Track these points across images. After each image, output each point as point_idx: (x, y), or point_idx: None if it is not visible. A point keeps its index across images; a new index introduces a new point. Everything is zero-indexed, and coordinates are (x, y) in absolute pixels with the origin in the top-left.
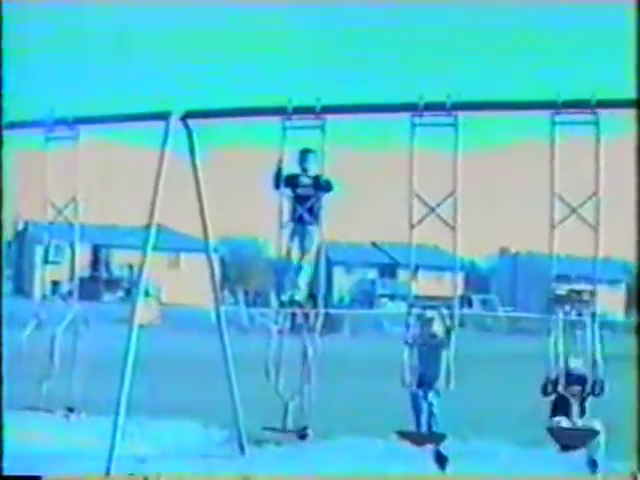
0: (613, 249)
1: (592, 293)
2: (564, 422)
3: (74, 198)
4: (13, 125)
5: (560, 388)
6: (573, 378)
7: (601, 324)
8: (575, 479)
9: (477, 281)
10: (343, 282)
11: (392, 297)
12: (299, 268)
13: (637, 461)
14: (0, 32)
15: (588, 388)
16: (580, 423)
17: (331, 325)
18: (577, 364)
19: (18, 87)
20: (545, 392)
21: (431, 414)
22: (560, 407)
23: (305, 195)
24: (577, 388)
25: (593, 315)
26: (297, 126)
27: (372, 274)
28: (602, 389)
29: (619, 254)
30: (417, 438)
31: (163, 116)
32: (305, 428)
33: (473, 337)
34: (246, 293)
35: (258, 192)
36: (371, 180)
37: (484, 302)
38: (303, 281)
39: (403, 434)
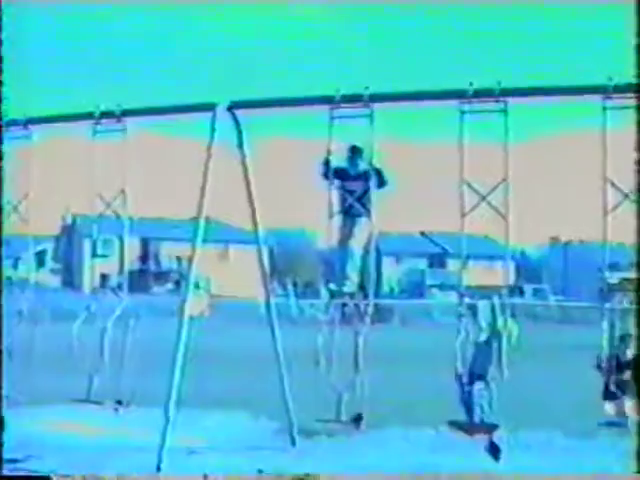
0: None
1: None
2: (613, 408)
3: (122, 191)
4: (54, 119)
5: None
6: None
7: None
8: (575, 479)
9: (528, 270)
10: (393, 272)
11: (441, 287)
12: (349, 259)
13: (637, 461)
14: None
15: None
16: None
17: (381, 315)
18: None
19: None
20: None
21: (482, 405)
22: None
23: (354, 188)
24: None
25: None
26: (345, 115)
27: (422, 264)
28: None
29: None
30: (469, 428)
31: (210, 107)
32: (360, 417)
33: (525, 327)
34: (295, 284)
35: (307, 183)
36: (420, 169)
37: (535, 291)
38: (353, 272)
39: (455, 424)
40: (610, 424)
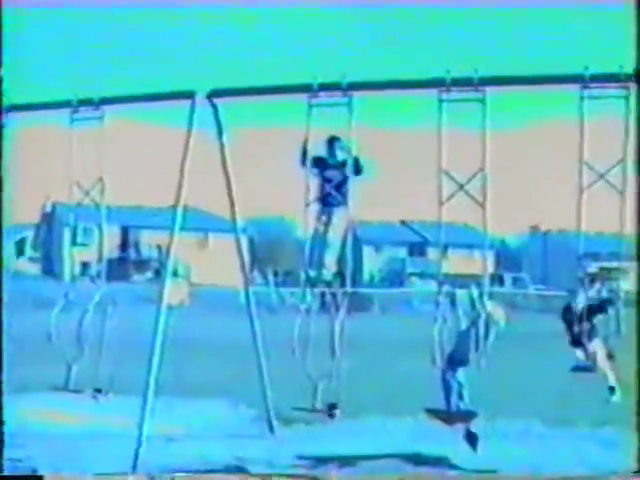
0: None
1: (623, 270)
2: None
3: (100, 179)
4: (32, 107)
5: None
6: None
7: (633, 302)
8: (576, 479)
9: (508, 259)
10: (373, 261)
11: (422, 275)
12: (326, 247)
13: (637, 461)
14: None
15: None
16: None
17: (361, 304)
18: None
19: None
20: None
21: (460, 393)
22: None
23: (332, 177)
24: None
25: (614, 291)
26: (324, 103)
27: (402, 253)
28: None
29: None
30: (447, 416)
31: (189, 95)
32: (334, 406)
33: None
34: (275, 273)
35: (286, 171)
36: (399, 157)
37: (515, 280)
38: (330, 260)
39: (432, 412)
40: (579, 369)
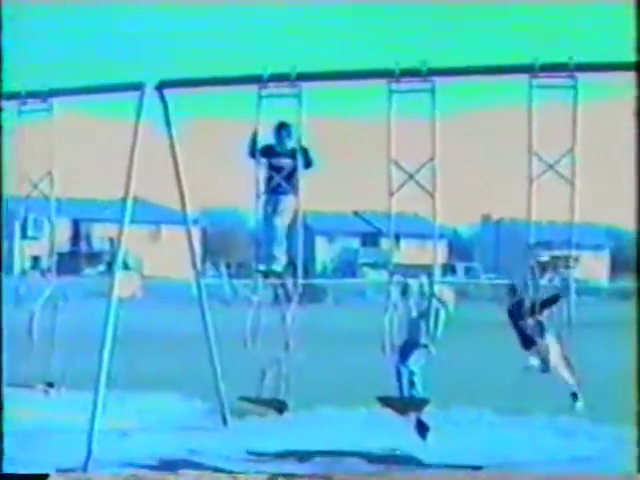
0: (596, 215)
1: (575, 259)
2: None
3: (49, 172)
4: None
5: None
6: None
7: (585, 290)
8: (577, 479)
9: (460, 249)
10: (325, 252)
11: (374, 266)
12: (277, 238)
13: (637, 461)
14: None
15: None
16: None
17: (314, 295)
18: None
19: None
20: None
21: (412, 382)
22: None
23: (281, 166)
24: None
25: (564, 280)
26: (273, 94)
27: (355, 243)
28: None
29: (602, 220)
30: (399, 404)
31: (137, 86)
32: (282, 402)
33: (456, 305)
34: (228, 265)
35: (240, 162)
36: (351, 148)
37: (467, 270)
38: (280, 251)
39: (384, 400)
40: (531, 368)
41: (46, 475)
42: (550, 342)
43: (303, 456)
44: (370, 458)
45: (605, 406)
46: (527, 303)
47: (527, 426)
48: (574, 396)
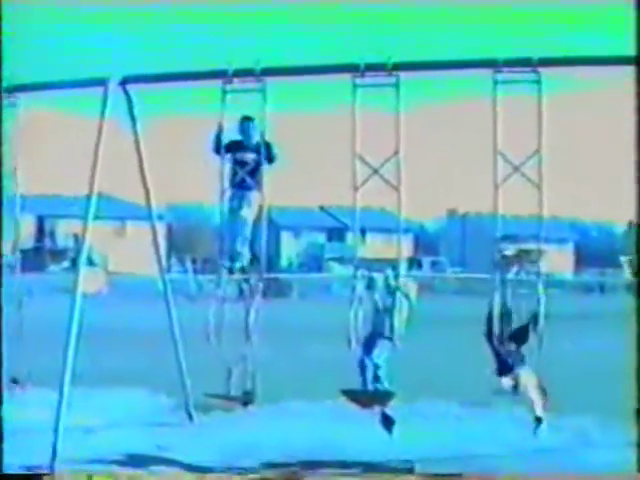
0: (561, 208)
1: (540, 252)
2: (509, 381)
3: (14, 168)
4: None
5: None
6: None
7: (550, 283)
8: (577, 478)
9: (426, 243)
10: (291, 247)
11: (340, 260)
12: (241, 233)
13: (637, 461)
14: None
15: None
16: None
17: (279, 289)
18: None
19: None
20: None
21: (377, 375)
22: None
23: (246, 160)
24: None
25: (538, 274)
26: (238, 90)
27: (320, 238)
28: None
29: (567, 213)
30: (364, 397)
31: (101, 82)
32: (248, 393)
33: (422, 298)
34: (194, 260)
35: (203, 158)
36: (316, 142)
37: (433, 264)
38: (245, 246)
39: (349, 393)
40: (502, 392)
41: (39, 475)
42: (527, 373)
43: (269, 450)
44: (335, 450)
45: (569, 398)
46: (504, 327)
47: (491, 418)
48: (538, 420)
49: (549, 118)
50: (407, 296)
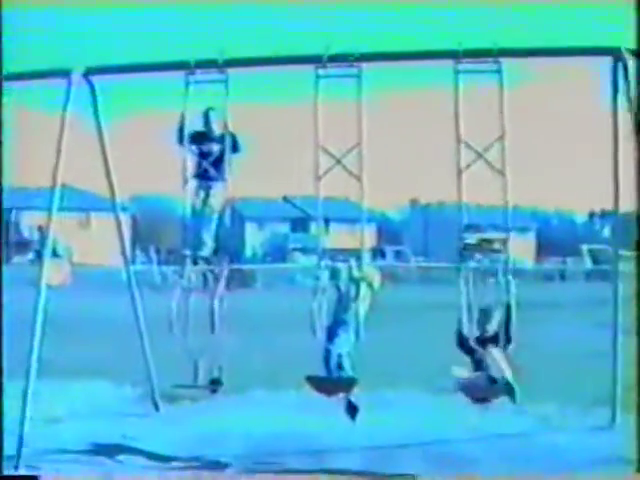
0: (522, 197)
1: (504, 241)
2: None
3: None
4: None
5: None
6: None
7: (511, 272)
8: (577, 479)
9: (389, 233)
10: (255, 237)
11: (304, 250)
12: (205, 224)
13: (637, 461)
14: None
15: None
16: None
17: (243, 280)
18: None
19: None
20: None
21: (340, 364)
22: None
23: (209, 151)
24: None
25: (505, 263)
26: (200, 81)
27: (284, 228)
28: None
29: (528, 202)
30: (327, 384)
31: (64, 73)
32: (215, 382)
33: (385, 287)
34: (158, 251)
35: (167, 149)
36: (280, 133)
37: (397, 253)
38: (209, 237)
39: (313, 380)
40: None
41: (37, 477)
42: (496, 353)
43: (234, 439)
44: (300, 438)
45: (531, 384)
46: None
47: (454, 404)
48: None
49: (511, 108)
50: (370, 285)
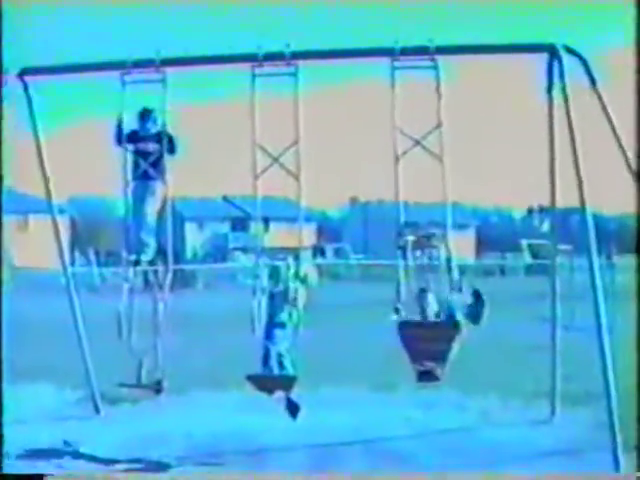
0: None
1: (443, 237)
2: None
3: None
4: None
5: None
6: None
7: (451, 267)
8: (577, 479)
9: (329, 231)
10: (196, 237)
11: (244, 250)
12: (146, 225)
13: (637, 461)
14: None
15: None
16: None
17: (184, 280)
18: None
19: None
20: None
21: (281, 363)
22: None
23: (148, 151)
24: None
25: (447, 259)
26: (138, 80)
27: (224, 228)
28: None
29: (468, 199)
30: (268, 382)
31: None
32: (159, 382)
33: (326, 285)
34: (97, 253)
35: (104, 149)
36: (216, 132)
37: (337, 251)
38: (150, 238)
39: (253, 378)
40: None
41: (40, 475)
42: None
43: (176, 440)
44: (244, 438)
45: (472, 378)
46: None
47: (394, 401)
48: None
49: (448, 102)
50: (306, 283)
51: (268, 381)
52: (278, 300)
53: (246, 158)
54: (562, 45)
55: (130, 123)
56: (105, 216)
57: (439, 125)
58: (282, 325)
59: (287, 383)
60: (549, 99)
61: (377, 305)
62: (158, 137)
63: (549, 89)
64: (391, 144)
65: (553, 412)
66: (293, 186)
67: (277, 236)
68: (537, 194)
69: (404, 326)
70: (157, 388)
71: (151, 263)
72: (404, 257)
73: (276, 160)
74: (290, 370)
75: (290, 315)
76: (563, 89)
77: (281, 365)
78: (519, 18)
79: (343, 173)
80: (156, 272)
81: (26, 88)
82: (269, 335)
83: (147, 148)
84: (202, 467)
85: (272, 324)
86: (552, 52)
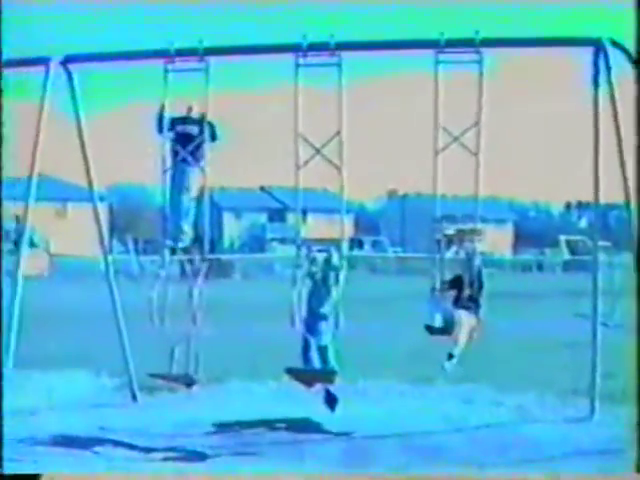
0: (500, 189)
1: (479, 231)
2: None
3: None
4: None
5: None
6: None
7: (488, 262)
8: (576, 479)
9: (367, 223)
10: (233, 228)
11: (282, 241)
12: (183, 214)
13: (637, 461)
14: None
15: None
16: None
17: (221, 270)
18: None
19: None
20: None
21: (323, 355)
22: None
23: (188, 134)
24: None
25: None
26: (180, 69)
27: (262, 219)
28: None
29: (506, 193)
30: (307, 375)
31: (43, 61)
32: (189, 376)
33: (364, 278)
34: (136, 241)
35: (146, 138)
36: (259, 122)
37: (374, 244)
38: (187, 226)
39: (293, 371)
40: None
41: (38, 475)
42: (464, 315)
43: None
44: (277, 428)
45: (509, 374)
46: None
47: (432, 395)
48: (450, 356)
49: (491, 96)
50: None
51: (309, 374)
52: (320, 292)
53: (288, 149)
54: (608, 39)
55: (173, 112)
56: (143, 204)
57: (477, 122)
58: (324, 317)
59: (328, 377)
60: (594, 93)
61: (414, 298)
62: (198, 121)
63: (595, 83)
64: (431, 138)
65: (592, 410)
66: (332, 177)
67: (315, 227)
68: (576, 189)
69: None
70: (188, 382)
71: (187, 251)
72: (441, 250)
73: (319, 151)
74: (332, 363)
75: (331, 308)
76: (609, 83)
77: (323, 358)
78: (561, 11)
79: (381, 165)
80: (192, 260)
81: (69, 75)
82: (310, 327)
83: (188, 130)
84: (237, 457)
85: (314, 316)
86: (598, 46)
